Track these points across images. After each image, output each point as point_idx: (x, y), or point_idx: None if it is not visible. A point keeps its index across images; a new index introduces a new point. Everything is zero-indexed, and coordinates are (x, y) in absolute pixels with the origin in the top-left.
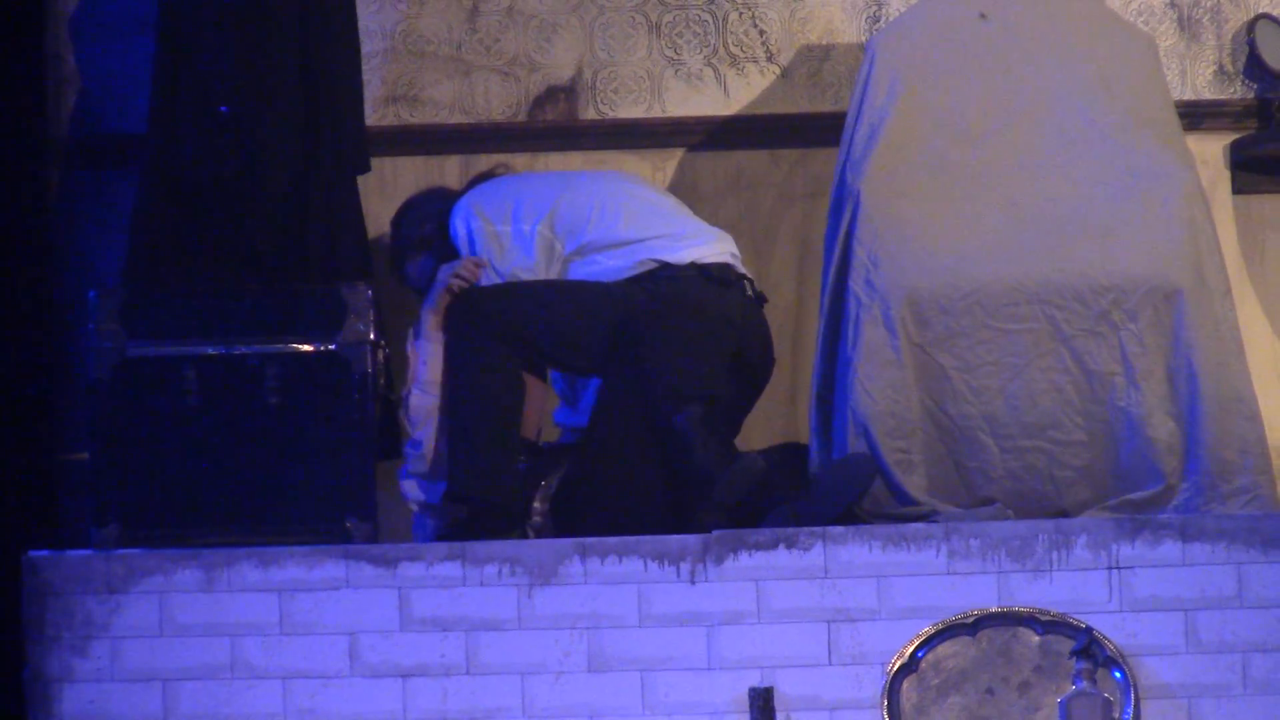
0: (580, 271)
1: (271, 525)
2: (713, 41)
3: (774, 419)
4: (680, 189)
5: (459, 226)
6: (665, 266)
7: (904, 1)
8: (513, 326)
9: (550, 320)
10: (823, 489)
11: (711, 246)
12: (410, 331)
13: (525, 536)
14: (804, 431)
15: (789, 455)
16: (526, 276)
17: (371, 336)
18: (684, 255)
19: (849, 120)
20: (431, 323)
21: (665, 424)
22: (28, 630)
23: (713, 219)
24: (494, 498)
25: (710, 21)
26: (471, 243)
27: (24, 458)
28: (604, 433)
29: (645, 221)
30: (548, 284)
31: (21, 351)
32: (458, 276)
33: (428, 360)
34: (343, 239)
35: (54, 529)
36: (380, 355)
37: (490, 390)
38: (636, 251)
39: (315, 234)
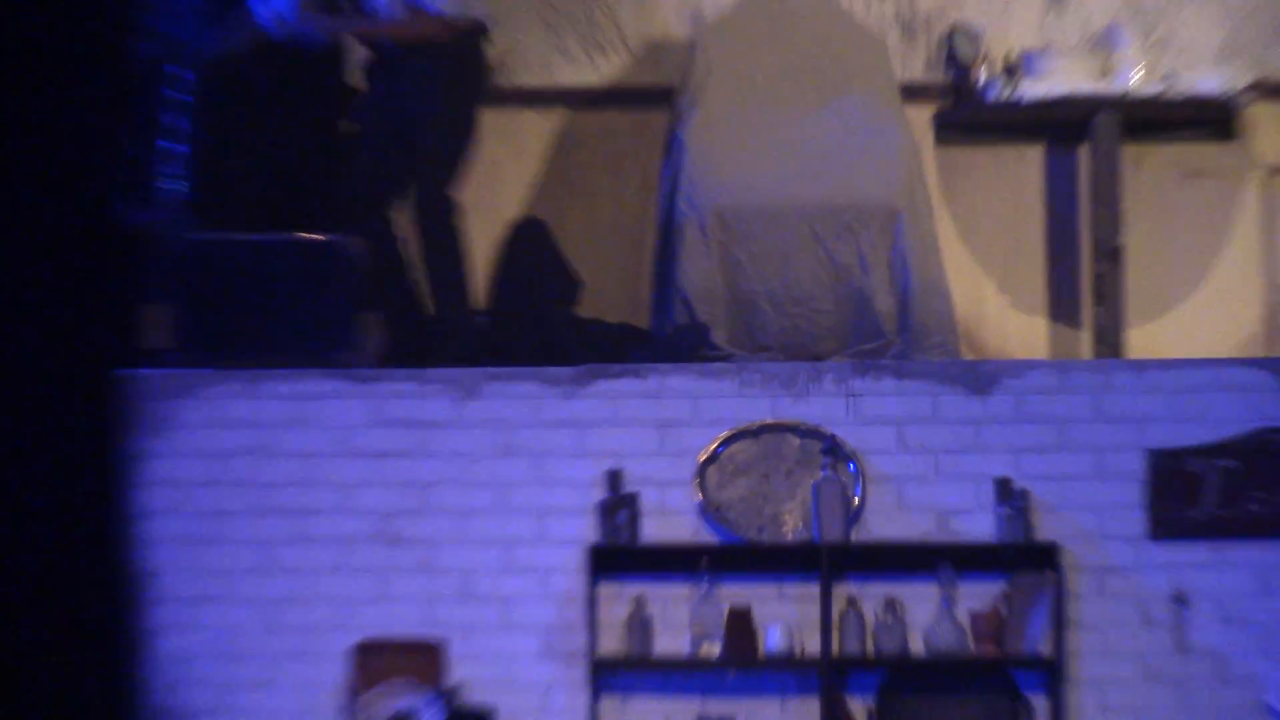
0: None
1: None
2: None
3: (625, 283)
4: None
5: None
6: None
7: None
8: None
9: None
10: (670, 344)
11: None
12: None
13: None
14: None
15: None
16: None
17: None
18: None
19: (680, 107)
20: None
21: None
22: (114, 425)
23: None
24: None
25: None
26: None
27: (111, 304)
28: None
29: None
30: None
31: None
32: None
33: None
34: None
35: (134, 352)
36: None
37: None
38: None
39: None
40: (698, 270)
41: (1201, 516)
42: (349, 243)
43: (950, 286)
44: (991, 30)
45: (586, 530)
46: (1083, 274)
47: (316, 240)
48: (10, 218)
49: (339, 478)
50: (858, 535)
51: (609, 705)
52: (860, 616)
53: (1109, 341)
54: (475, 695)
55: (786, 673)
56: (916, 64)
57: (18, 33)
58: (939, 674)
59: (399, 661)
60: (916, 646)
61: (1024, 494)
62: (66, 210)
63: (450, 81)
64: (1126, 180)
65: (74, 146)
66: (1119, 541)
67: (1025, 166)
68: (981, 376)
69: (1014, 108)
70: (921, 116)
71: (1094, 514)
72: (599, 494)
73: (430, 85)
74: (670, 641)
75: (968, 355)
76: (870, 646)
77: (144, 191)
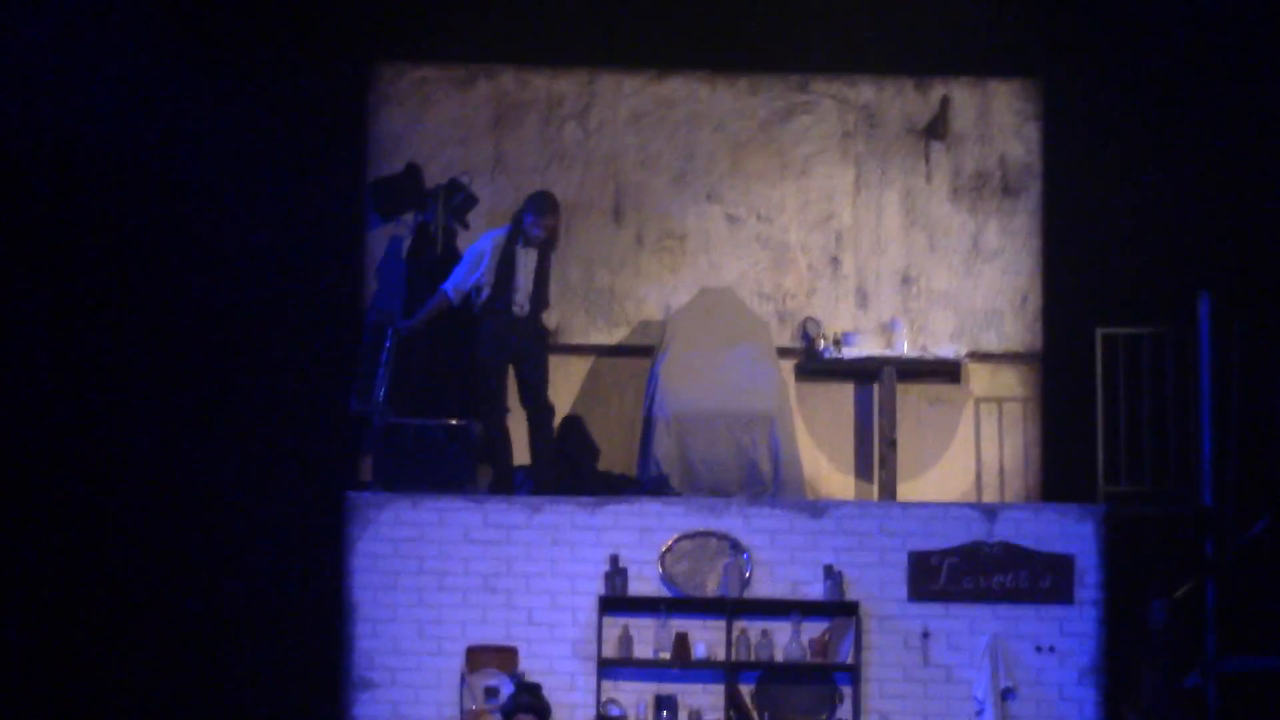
0: None
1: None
2: None
3: (624, 451)
4: None
5: None
6: None
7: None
8: None
9: None
10: (647, 487)
11: None
12: None
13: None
14: (634, 463)
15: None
16: None
17: None
18: None
19: (656, 355)
20: None
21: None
22: (342, 522)
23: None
24: None
25: None
26: None
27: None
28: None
29: None
30: None
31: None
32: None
33: None
34: None
35: (354, 482)
36: None
37: None
38: None
39: None
40: (663, 446)
41: (938, 589)
42: (472, 425)
43: (801, 458)
44: (827, 321)
45: (598, 587)
46: (874, 453)
47: (454, 423)
48: (295, 413)
49: (462, 554)
50: (748, 593)
51: (607, 686)
52: (748, 639)
53: (888, 491)
54: (532, 678)
55: (706, 670)
56: (786, 337)
57: (308, 312)
58: (791, 673)
59: (491, 658)
60: (779, 657)
61: (840, 573)
62: (324, 406)
63: (539, 336)
64: (899, 403)
65: (331, 371)
66: (892, 601)
67: (843, 395)
68: (817, 508)
69: (838, 362)
70: (788, 365)
71: (878, 585)
72: (605, 567)
73: (533, 337)
74: (642, 650)
75: (810, 496)
76: (753, 656)
77: (365, 395)
